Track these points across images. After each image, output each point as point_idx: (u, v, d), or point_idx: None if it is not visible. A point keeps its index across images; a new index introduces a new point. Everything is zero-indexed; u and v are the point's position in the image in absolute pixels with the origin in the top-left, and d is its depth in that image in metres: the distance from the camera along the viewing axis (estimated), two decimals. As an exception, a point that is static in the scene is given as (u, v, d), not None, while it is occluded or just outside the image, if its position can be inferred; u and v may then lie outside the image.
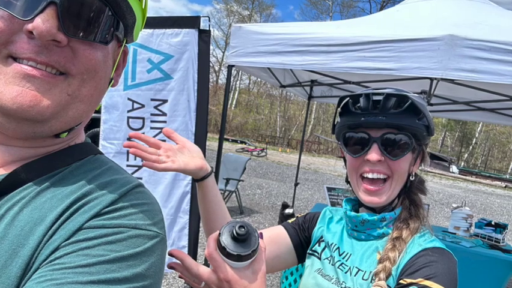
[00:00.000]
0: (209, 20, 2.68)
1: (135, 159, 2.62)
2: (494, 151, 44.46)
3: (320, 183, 12.27)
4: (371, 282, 0.88)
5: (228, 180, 6.28)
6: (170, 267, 0.78)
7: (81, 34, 0.51)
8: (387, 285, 0.84)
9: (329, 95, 5.24)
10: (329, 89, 5.21)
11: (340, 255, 0.99)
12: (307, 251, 1.09)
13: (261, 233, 1.04)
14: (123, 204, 0.53)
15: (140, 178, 2.61)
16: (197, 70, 2.62)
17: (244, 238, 0.65)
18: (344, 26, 3.07)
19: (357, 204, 1.05)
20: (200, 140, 2.61)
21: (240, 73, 37.10)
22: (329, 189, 4.12)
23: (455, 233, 3.64)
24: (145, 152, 0.91)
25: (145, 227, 0.52)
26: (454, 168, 26.81)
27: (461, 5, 3.10)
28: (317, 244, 1.07)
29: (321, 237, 1.07)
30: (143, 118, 2.65)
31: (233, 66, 3.17)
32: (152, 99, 2.64)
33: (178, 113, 2.63)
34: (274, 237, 1.08)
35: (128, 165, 2.64)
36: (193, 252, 2.73)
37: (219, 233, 0.67)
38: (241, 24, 3.10)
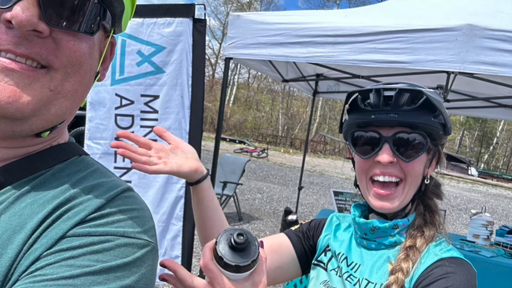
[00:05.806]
0: (204, 8, 2.69)
1: (123, 160, 2.62)
2: (517, 152, 44.44)
3: (326, 186, 12.27)
4: (381, 295, 0.88)
5: (225, 183, 6.28)
6: (162, 279, 0.78)
7: (64, 24, 0.51)
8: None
9: (336, 90, 5.24)
10: (335, 84, 5.21)
11: (348, 265, 0.99)
12: (312, 261, 1.09)
13: (262, 242, 1.05)
14: (110, 210, 0.53)
15: (129, 181, 2.61)
16: (191, 63, 2.62)
17: (243, 247, 0.65)
18: (352, 15, 3.07)
19: (366, 210, 1.05)
20: (195, 139, 2.61)
21: (238, 66, 37.18)
22: (336, 193, 4.13)
23: (474, 242, 3.63)
24: (135, 153, 0.91)
25: (135, 235, 0.52)
26: (472, 170, 26.83)
27: (480, -9, 3.11)
28: (323, 254, 1.07)
29: (328, 246, 1.07)
30: (132, 116, 2.65)
31: (231, 58, 3.17)
32: (142, 95, 2.64)
33: (171, 110, 2.64)
34: (276, 246, 1.08)
35: (116, 167, 2.64)
36: (187, 262, 2.73)
37: (216, 242, 0.67)
38: (239, 12, 3.10)
